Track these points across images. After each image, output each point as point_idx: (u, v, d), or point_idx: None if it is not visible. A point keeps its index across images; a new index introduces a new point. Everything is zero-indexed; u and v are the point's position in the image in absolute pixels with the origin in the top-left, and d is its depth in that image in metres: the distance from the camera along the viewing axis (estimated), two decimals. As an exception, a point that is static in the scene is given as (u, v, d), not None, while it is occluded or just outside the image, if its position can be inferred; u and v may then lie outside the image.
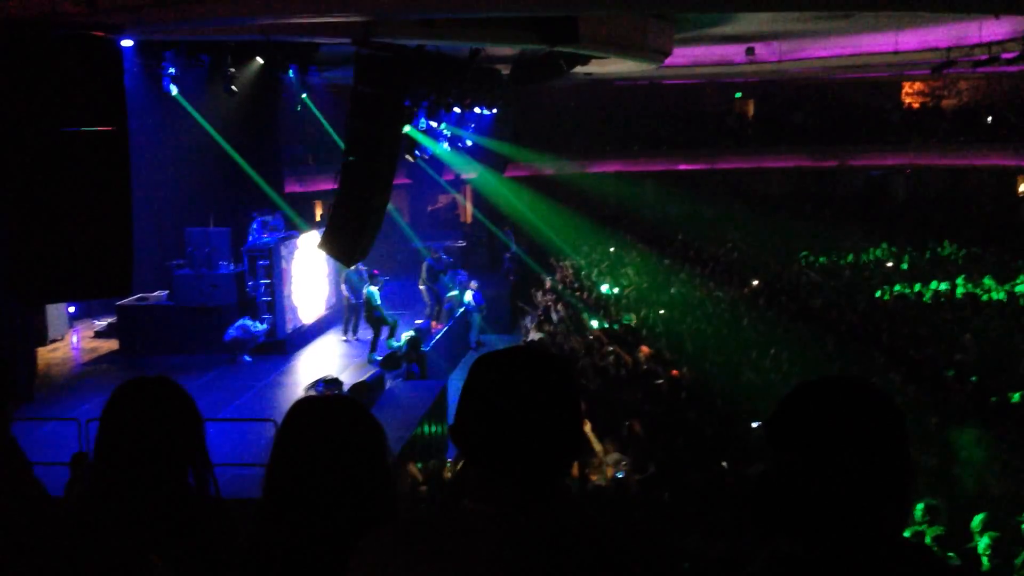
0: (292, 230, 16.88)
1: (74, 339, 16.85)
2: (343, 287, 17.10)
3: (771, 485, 1.69)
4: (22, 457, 2.71)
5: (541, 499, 1.72)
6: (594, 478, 8.23)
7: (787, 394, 1.74)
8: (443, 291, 18.87)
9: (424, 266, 18.76)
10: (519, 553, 1.67)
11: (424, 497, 8.48)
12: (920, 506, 6.65)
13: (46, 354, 15.42)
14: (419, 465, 9.39)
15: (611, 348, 13.36)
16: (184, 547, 2.33)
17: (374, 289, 15.71)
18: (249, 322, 15.14)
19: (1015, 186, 30.55)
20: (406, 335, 15.33)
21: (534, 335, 16.08)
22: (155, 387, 2.44)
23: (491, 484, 1.73)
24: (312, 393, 12.21)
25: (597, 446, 8.60)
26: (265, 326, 15.42)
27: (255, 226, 16.01)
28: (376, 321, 15.72)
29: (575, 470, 8.13)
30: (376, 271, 16.08)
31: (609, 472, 8.30)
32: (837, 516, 1.63)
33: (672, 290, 18.73)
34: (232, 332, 14.98)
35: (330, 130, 18.36)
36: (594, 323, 16.08)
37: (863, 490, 1.63)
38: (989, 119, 28.55)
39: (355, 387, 12.93)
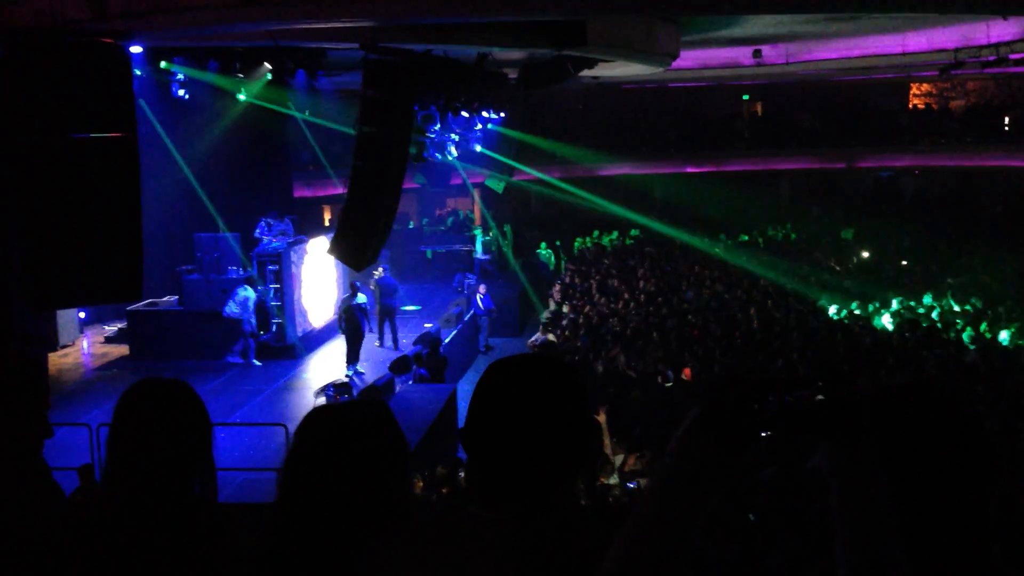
0: (301, 235, 16.89)
1: (85, 344, 16.91)
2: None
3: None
4: (43, 463, 2.74)
5: (547, 508, 1.71)
6: (603, 480, 8.20)
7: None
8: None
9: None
10: (521, 562, 1.67)
11: (431, 501, 8.46)
12: None
13: (57, 359, 15.47)
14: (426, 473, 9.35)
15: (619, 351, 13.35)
16: (187, 553, 2.32)
17: (362, 298, 15.23)
18: (249, 292, 14.80)
19: (1024, 186, 30.44)
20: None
21: (541, 337, 16.06)
22: (168, 388, 2.44)
23: (498, 491, 1.72)
24: (322, 398, 12.23)
25: (608, 446, 8.57)
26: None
27: (260, 227, 16.03)
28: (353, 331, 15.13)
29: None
30: (357, 283, 15.39)
31: (627, 466, 8.26)
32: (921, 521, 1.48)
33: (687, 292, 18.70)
34: (230, 306, 14.65)
35: (341, 132, 18.33)
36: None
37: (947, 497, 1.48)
38: (1005, 120, 28.44)
39: (365, 390, 12.95)
